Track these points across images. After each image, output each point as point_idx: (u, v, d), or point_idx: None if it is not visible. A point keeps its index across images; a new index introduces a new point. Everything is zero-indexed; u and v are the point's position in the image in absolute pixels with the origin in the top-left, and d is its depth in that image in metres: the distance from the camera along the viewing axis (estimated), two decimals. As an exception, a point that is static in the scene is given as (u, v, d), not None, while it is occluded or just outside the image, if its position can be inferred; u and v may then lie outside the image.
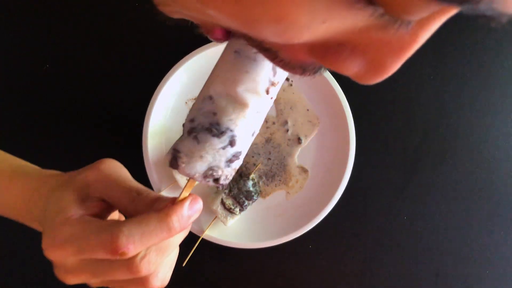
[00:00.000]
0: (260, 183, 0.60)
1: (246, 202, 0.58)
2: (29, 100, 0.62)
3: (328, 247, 0.62)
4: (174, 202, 0.32)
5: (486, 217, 0.61)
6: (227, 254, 0.61)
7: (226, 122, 0.28)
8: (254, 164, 0.60)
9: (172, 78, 0.58)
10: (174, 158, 0.30)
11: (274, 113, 0.60)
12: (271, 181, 0.61)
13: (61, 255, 0.31)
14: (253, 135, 0.30)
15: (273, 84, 0.29)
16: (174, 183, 0.58)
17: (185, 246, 0.55)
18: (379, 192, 0.61)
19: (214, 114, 0.28)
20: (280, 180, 0.61)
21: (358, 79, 0.21)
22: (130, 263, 0.31)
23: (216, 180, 0.30)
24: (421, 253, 0.61)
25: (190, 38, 0.61)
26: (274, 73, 0.28)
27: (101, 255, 0.30)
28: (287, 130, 0.60)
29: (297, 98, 0.60)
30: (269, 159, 0.60)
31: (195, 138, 0.29)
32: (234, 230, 0.59)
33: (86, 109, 0.62)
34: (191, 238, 0.58)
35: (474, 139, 0.61)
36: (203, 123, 0.29)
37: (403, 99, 0.61)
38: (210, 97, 0.28)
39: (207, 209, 0.59)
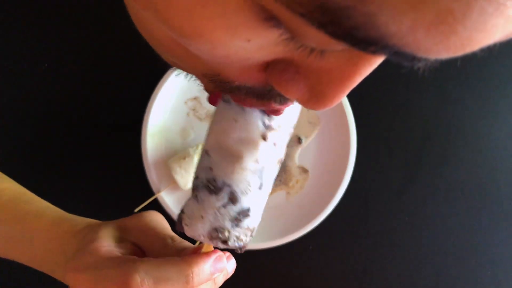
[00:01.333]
0: (260, 183, 0.60)
1: (246, 203, 0.58)
2: (27, 99, 0.62)
3: (328, 247, 0.61)
4: (197, 251, 0.31)
5: (487, 218, 0.61)
6: (227, 255, 0.60)
7: (221, 176, 0.26)
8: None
9: (171, 78, 0.57)
10: (179, 220, 0.29)
11: (274, 113, 0.60)
12: (271, 181, 0.60)
13: (77, 281, 0.31)
14: (261, 188, 0.28)
15: (269, 128, 0.26)
16: (173, 183, 0.57)
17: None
18: (380, 193, 0.61)
19: (211, 169, 0.27)
20: (280, 181, 0.60)
21: (302, 103, 0.20)
22: None
23: (224, 242, 0.28)
24: (421, 253, 0.61)
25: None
26: (269, 117, 0.25)
27: None
28: (287, 130, 0.60)
29: (297, 98, 0.60)
30: (269, 159, 0.60)
31: (196, 197, 0.27)
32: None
33: (85, 108, 0.62)
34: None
35: (475, 139, 0.61)
36: (202, 179, 0.27)
37: (403, 99, 0.61)
38: (207, 152, 0.27)
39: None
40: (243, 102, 0.24)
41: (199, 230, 0.28)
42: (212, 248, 0.31)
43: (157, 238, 0.34)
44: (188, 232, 0.28)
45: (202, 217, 0.27)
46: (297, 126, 0.64)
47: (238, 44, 0.16)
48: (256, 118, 0.25)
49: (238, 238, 0.28)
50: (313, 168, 0.60)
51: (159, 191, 0.58)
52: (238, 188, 0.26)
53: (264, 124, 0.25)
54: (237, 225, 0.28)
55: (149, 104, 0.57)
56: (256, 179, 0.27)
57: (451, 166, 0.61)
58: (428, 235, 0.61)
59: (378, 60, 0.17)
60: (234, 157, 0.26)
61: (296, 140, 0.60)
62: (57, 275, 0.37)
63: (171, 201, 0.58)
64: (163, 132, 0.60)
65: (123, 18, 0.67)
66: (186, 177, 0.56)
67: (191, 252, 0.32)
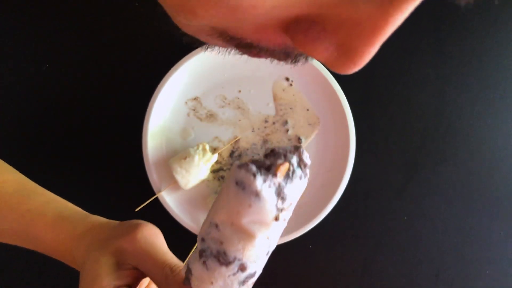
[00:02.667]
0: (260, 183, 0.60)
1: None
2: (28, 99, 0.62)
3: (328, 247, 0.62)
4: None
5: (486, 217, 0.61)
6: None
7: (233, 252, 0.28)
8: (254, 164, 0.60)
9: (172, 78, 0.58)
10: (187, 278, 0.30)
11: (274, 113, 0.60)
12: (271, 181, 0.61)
13: None
14: (267, 254, 0.29)
15: (282, 210, 0.27)
16: (174, 183, 0.58)
17: (184, 246, 0.55)
18: (379, 192, 0.61)
19: (221, 243, 0.28)
20: (280, 180, 0.61)
21: (332, 65, 0.19)
22: None
23: None
24: (421, 253, 0.61)
25: (187, 43, 0.61)
26: (282, 200, 0.27)
27: None
28: (287, 130, 0.60)
29: (297, 98, 0.60)
30: (269, 159, 0.60)
31: (204, 264, 0.28)
32: None
33: (86, 108, 0.62)
34: (191, 238, 0.58)
35: (474, 139, 0.61)
36: (212, 249, 0.28)
37: (403, 99, 0.61)
38: (216, 225, 0.27)
39: (207, 209, 0.59)
40: (258, 55, 0.23)
41: None
42: None
43: (156, 267, 0.35)
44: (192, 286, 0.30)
45: (211, 283, 0.29)
46: (297, 127, 0.65)
47: None
48: (271, 205, 0.26)
49: None
50: (313, 168, 0.61)
51: (159, 191, 0.58)
52: (248, 260, 0.28)
53: (277, 208, 0.27)
54: (243, 284, 0.30)
55: (149, 104, 0.58)
56: (264, 251, 0.29)
57: (451, 165, 0.61)
58: (427, 234, 0.61)
59: (410, 7, 0.16)
60: (246, 236, 0.27)
61: (296, 140, 0.60)
62: (72, 264, 0.39)
63: (171, 200, 0.58)
64: (164, 132, 0.60)
65: (124, 19, 0.67)
66: (186, 177, 0.56)
67: None
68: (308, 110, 0.60)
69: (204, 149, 0.57)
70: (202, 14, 0.17)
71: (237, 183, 0.26)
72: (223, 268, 0.28)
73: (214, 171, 0.60)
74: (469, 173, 0.61)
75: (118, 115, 0.62)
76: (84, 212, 0.43)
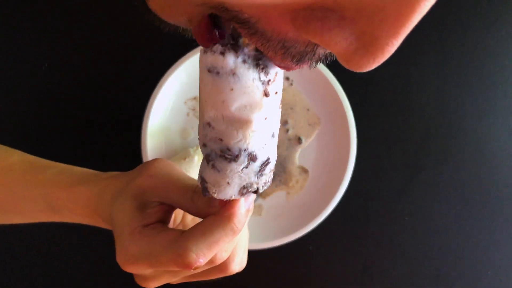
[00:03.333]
0: (260, 183, 0.60)
1: (246, 203, 0.58)
2: (27, 99, 0.62)
3: (328, 248, 0.61)
4: (226, 203, 0.32)
5: (487, 218, 0.61)
6: (227, 255, 0.60)
7: (235, 144, 0.26)
8: (254, 165, 0.60)
9: (171, 78, 0.57)
10: (204, 189, 0.29)
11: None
12: (271, 181, 0.60)
13: (136, 270, 0.32)
14: (273, 136, 0.28)
15: (269, 82, 0.24)
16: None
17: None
18: (380, 193, 0.61)
19: (220, 140, 0.26)
20: (280, 181, 0.60)
21: (348, 59, 0.17)
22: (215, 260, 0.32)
23: (255, 191, 0.29)
24: (422, 253, 0.61)
25: (190, 38, 0.60)
26: (265, 71, 0.24)
27: (175, 269, 0.31)
28: (287, 130, 0.60)
29: (297, 98, 0.60)
30: (269, 159, 0.60)
31: (214, 166, 0.27)
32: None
33: (85, 108, 0.61)
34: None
35: (476, 139, 0.61)
36: (215, 149, 0.27)
37: (404, 99, 0.61)
38: (209, 124, 0.26)
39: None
40: (251, 39, 0.20)
41: (228, 193, 0.28)
42: None
43: (180, 194, 0.34)
44: (219, 197, 0.29)
45: (228, 183, 0.28)
46: (297, 127, 0.64)
47: None
48: (253, 79, 0.24)
49: (265, 183, 0.29)
50: (313, 168, 0.60)
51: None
52: (255, 148, 0.26)
53: (262, 82, 0.24)
54: (261, 175, 0.28)
55: (149, 104, 0.57)
56: (268, 133, 0.27)
57: (451, 166, 0.61)
58: (428, 235, 0.61)
59: None
60: (242, 123, 0.25)
61: (296, 140, 0.60)
62: (104, 225, 0.38)
63: (171, 201, 0.58)
64: (163, 132, 0.60)
65: (124, 18, 0.67)
66: (186, 177, 0.56)
67: (223, 203, 0.32)
68: (308, 110, 0.60)
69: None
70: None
71: (209, 70, 0.24)
72: (233, 164, 0.27)
73: (213, 172, 0.60)
74: (470, 173, 0.61)
75: (117, 115, 0.61)
76: (98, 172, 0.42)
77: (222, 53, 0.23)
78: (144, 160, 0.58)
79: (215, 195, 0.29)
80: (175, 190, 0.34)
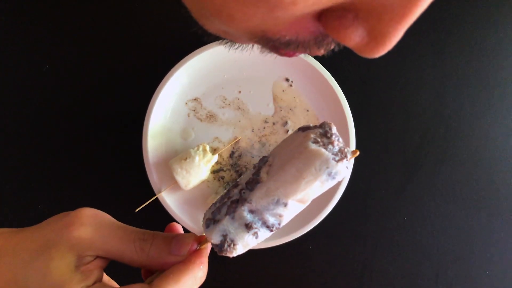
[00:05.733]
0: (260, 183, 0.60)
1: (246, 203, 0.58)
2: (29, 100, 0.62)
3: (328, 247, 0.62)
4: (194, 245, 0.32)
5: (486, 217, 0.61)
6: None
7: (286, 220, 0.31)
8: (254, 165, 0.60)
9: (172, 79, 0.58)
10: (228, 247, 0.31)
11: (273, 114, 0.60)
12: (271, 181, 0.61)
13: None
14: None
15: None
16: (174, 184, 0.58)
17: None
18: (378, 193, 0.61)
19: (281, 216, 0.30)
20: (280, 181, 0.61)
21: (361, 50, 0.20)
22: None
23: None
24: (420, 253, 0.62)
25: (190, 38, 0.61)
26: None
27: None
28: (287, 131, 0.60)
29: (297, 99, 0.60)
30: (269, 159, 0.60)
31: (255, 234, 0.31)
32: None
33: (86, 109, 0.62)
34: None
35: (474, 139, 0.61)
36: (267, 221, 0.30)
37: (403, 99, 0.61)
38: (286, 204, 0.29)
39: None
40: (290, 54, 0.24)
41: (239, 251, 0.32)
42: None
43: (123, 242, 0.30)
44: (230, 254, 0.31)
45: (249, 244, 0.31)
46: (297, 127, 0.65)
47: None
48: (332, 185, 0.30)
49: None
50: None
51: (160, 192, 0.58)
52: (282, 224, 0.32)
53: None
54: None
55: (150, 105, 0.58)
56: None
57: (450, 166, 0.61)
58: (426, 234, 0.61)
59: None
60: (303, 206, 0.30)
61: (296, 140, 0.61)
62: None
63: (172, 201, 0.58)
64: (164, 132, 0.60)
65: (124, 20, 0.67)
66: (187, 178, 0.56)
67: (192, 252, 0.31)
68: (308, 110, 0.61)
69: (204, 150, 0.57)
70: (240, 17, 0.18)
71: (329, 174, 0.29)
72: (268, 233, 0.31)
73: (214, 172, 0.60)
74: (468, 173, 0.61)
75: (118, 115, 0.62)
76: None
77: (347, 168, 0.29)
78: (145, 160, 0.58)
79: (233, 254, 0.31)
80: (116, 239, 0.30)
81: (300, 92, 0.60)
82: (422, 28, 0.61)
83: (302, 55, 0.57)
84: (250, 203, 0.30)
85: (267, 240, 0.58)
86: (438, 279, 0.62)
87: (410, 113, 0.61)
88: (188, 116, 0.61)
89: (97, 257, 0.30)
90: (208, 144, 0.60)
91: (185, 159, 0.56)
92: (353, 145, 0.58)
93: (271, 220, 0.30)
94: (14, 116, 0.62)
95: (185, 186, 0.57)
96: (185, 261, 0.31)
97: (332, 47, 0.24)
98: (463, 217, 0.61)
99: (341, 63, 0.61)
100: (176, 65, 0.57)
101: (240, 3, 0.18)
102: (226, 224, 0.31)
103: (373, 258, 0.62)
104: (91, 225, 0.30)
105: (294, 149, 0.29)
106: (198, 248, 0.32)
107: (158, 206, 0.58)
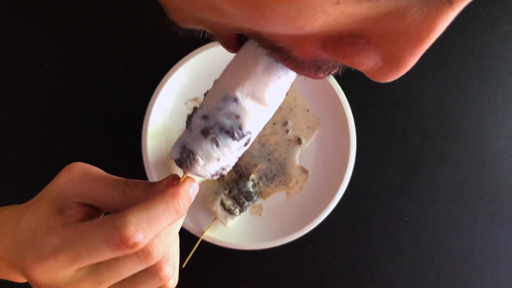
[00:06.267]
0: (260, 184, 0.60)
1: (246, 203, 0.58)
2: (28, 100, 0.62)
3: (328, 248, 0.61)
4: (173, 184, 0.30)
5: (487, 218, 0.61)
6: (227, 255, 0.60)
7: (248, 125, 0.27)
8: (254, 165, 0.60)
9: (171, 79, 0.57)
10: (188, 159, 0.28)
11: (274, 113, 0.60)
12: (271, 182, 0.60)
13: (51, 270, 0.26)
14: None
15: (292, 85, 0.28)
16: (173, 184, 0.58)
17: (184, 247, 0.55)
18: (379, 193, 0.61)
19: (237, 117, 0.27)
20: (280, 181, 0.61)
21: (374, 75, 0.19)
22: (140, 250, 0.27)
23: (222, 176, 0.30)
24: (421, 253, 0.61)
25: (190, 38, 0.61)
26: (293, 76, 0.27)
27: (106, 254, 0.26)
28: (287, 131, 0.60)
29: (297, 99, 0.60)
30: (269, 159, 0.60)
31: (214, 140, 0.27)
32: (234, 231, 0.59)
33: (85, 109, 0.62)
34: (190, 239, 0.58)
35: (475, 139, 0.61)
36: (223, 124, 0.27)
37: (403, 99, 0.61)
38: (235, 99, 0.26)
39: (207, 210, 0.59)
40: (284, 63, 0.23)
41: (210, 170, 0.29)
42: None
43: (107, 187, 0.30)
44: (197, 172, 0.28)
45: (218, 159, 0.28)
46: (297, 128, 0.64)
47: (326, 6, 0.16)
48: (292, 78, 0.27)
49: (229, 167, 0.30)
50: (313, 169, 0.60)
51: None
52: (254, 135, 0.28)
53: (291, 83, 0.27)
54: (236, 160, 0.30)
55: (149, 105, 0.58)
56: (263, 125, 0.29)
57: (451, 166, 0.61)
58: (427, 235, 0.61)
59: (455, 14, 0.17)
60: (265, 108, 0.27)
61: (296, 140, 0.60)
62: (5, 276, 0.33)
63: (171, 201, 0.58)
64: (164, 132, 0.60)
65: (124, 20, 0.67)
66: (186, 178, 0.56)
67: (168, 185, 0.30)
68: (308, 110, 0.60)
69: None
70: (240, 15, 0.18)
71: (267, 54, 0.25)
72: (235, 143, 0.27)
73: (214, 172, 0.60)
74: (469, 173, 0.61)
75: (117, 115, 0.61)
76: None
77: None
78: (145, 160, 0.58)
79: (198, 168, 0.28)
80: (102, 184, 0.30)
81: (300, 92, 0.60)
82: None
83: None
84: (202, 108, 0.28)
85: (267, 240, 0.58)
86: (439, 279, 0.61)
87: (410, 113, 0.61)
88: (188, 116, 0.61)
89: (85, 205, 0.31)
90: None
91: (185, 159, 0.56)
92: (353, 145, 0.58)
93: (227, 122, 0.27)
94: (13, 116, 0.62)
95: (184, 186, 0.56)
96: (158, 192, 0.30)
97: (335, 72, 0.23)
98: (464, 217, 0.61)
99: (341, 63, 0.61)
100: (176, 65, 0.57)
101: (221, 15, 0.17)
102: (184, 136, 0.29)
103: (374, 259, 0.61)
104: (79, 174, 0.31)
105: None
106: (176, 183, 0.30)
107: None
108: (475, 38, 0.61)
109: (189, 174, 0.30)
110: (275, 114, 0.29)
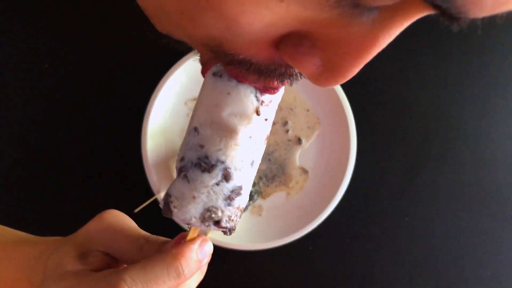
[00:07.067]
0: (260, 184, 0.60)
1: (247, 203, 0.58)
2: (27, 99, 0.62)
3: (328, 248, 0.61)
4: (179, 243, 0.30)
5: (487, 218, 0.61)
6: (227, 256, 0.60)
7: (214, 153, 0.25)
8: (254, 165, 0.60)
9: (171, 79, 0.57)
10: (166, 204, 0.26)
11: (274, 114, 0.60)
12: (271, 182, 0.60)
13: None
14: (252, 164, 0.27)
15: (262, 103, 0.25)
16: (173, 184, 0.57)
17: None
18: (379, 193, 0.61)
19: (201, 146, 0.25)
20: (280, 181, 0.60)
21: (315, 79, 0.20)
22: None
23: (217, 222, 0.27)
24: (422, 254, 0.61)
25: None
26: (261, 91, 0.25)
27: None
28: (287, 131, 0.60)
29: (297, 99, 0.60)
30: (269, 160, 0.60)
31: (185, 177, 0.26)
32: (234, 232, 0.59)
33: (85, 109, 0.62)
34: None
35: (475, 139, 0.61)
36: (192, 158, 0.26)
37: (403, 99, 0.61)
38: (195, 129, 0.25)
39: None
40: (242, 77, 0.23)
41: (190, 212, 0.26)
42: (197, 234, 0.30)
43: (129, 241, 0.31)
44: (178, 216, 0.26)
45: (194, 197, 0.26)
46: (297, 128, 0.64)
47: (270, 3, 0.16)
48: (250, 92, 0.25)
49: (230, 218, 0.27)
50: (313, 169, 0.60)
51: (159, 192, 0.58)
52: (232, 164, 0.26)
53: (257, 98, 0.25)
54: (229, 204, 0.27)
55: (149, 105, 0.57)
56: (249, 155, 0.26)
57: (451, 166, 0.61)
58: (428, 235, 0.61)
59: (398, 31, 0.17)
60: (227, 132, 0.25)
61: (296, 141, 0.60)
62: None
63: (171, 202, 0.58)
64: (163, 133, 0.60)
65: (124, 19, 0.67)
66: (186, 178, 0.56)
67: (174, 244, 0.30)
68: (308, 110, 0.60)
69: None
70: (200, 23, 0.18)
71: (213, 74, 0.25)
72: (206, 175, 0.25)
73: (214, 172, 0.60)
74: (469, 174, 0.61)
75: (117, 115, 0.61)
76: (35, 236, 0.38)
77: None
78: (145, 160, 0.58)
79: (175, 211, 0.26)
80: (124, 237, 0.32)
81: (300, 92, 0.60)
82: (422, 28, 0.61)
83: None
84: (180, 151, 0.27)
85: (267, 240, 0.58)
86: (439, 280, 0.61)
87: (411, 113, 0.61)
88: (188, 116, 0.60)
89: (106, 254, 0.32)
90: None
91: (185, 160, 0.56)
92: (354, 146, 0.58)
93: (194, 155, 0.25)
94: (13, 115, 0.62)
95: (184, 187, 0.56)
96: (161, 251, 0.30)
97: (299, 79, 0.24)
98: (464, 218, 0.61)
99: (341, 63, 0.61)
100: (175, 65, 0.57)
101: (190, 20, 0.18)
102: (171, 185, 0.27)
103: (374, 259, 0.61)
104: (108, 225, 0.32)
105: None
106: (183, 242, 0.30)
107: (157, 207, 0.57)
108: (474, 38, 0.61)
109: (176, 221, 0.28)
110: (275, 114, 0.28)
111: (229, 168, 0.26)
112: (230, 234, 0.28)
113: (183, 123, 0.60)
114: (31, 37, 0.62)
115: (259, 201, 0.60)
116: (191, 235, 0.29)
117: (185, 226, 0.51)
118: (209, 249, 0.30)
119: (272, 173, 0.60)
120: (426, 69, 0.61)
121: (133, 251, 0.31)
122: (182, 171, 0.26)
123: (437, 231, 0.61)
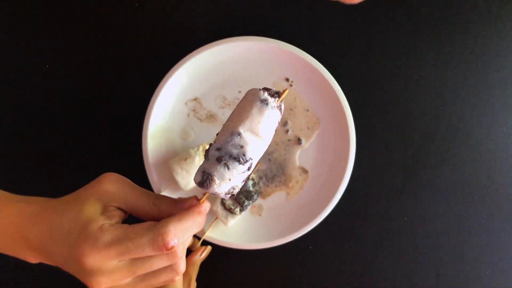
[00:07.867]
0: (260, 183, 0.60)
1: (246, 202, 0.58)
2: (28, 100, 0.62)
3: (328, 248, 0.62)
4: (195, 203, 0.39)
5: (486, 218, 0.61)
6: (228, 255, 0.61)
7: (250, 152, 0.37)
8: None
9: (172, 79, 0.58)
10: (207, 180, 0.37)
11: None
12: (271, 182, 0.61)
13: (102, 259, 0.33)
14: (255, 164, 0.39)
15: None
16: (174, 184, 0.58)
17: (185, 247, 0.55)
18: (379, 193, 0.61)
19: (241, 146, 0.37)
20: (280, 181, 0.61)
21: None
22: (172, 252, 0.35)
23: (232, 195, 0.39)
24: (421, 253, 0.61)
25: (190, 38, 0.61)
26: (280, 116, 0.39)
27: (148, 252, 0.34)
28: (287, 131, 0.60)
29: (297, 99, 0.60)
30: (269, 160, 0.60)
31: (225, 165, 0.37)
32: (234, 231, 0.59)
33: (86, 109, 0.62)
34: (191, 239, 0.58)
35: (474, 139, 0.61)
36: (231, 153, 0.37)
37: (403, 99, 0.61)
38: (239, 134, 0.37)
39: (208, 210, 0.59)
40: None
41: (223, 188, 0.38)
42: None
43: (141, 197, 0.38)
44: (215, 190, 0.37)
45: (229, 180, 0.37)
46: (297, 129, 0.65)
47: None
48: (279, 117, 0.39)
49: (236, 190, 0.39)
50: (313, 169, 0.61)
51: (159, 192, 0.58)
52: (254, 160, 0.38)
53: (278, 120, 0.39)
54: (243, 185, 0.40)
55: (149, 105, 0.58)
56: (262, 154, 0.39)
57: (451, 166, 0.61)
58: (427, 235, 0.61)
59: None
60: (259, 141, 0.37)
61: (296, 140, 0.60)
62: (21, 256, 0.38)
63: (171, 201, 0.58)
64: (164, 133, 0.60)
65: (124, 19, 0.67)
66: (187, 178, 0.56)
67: (192, 202, 0.39)
68: (308, 110, 0.60)
69: (204, 150, 0.57)
70: None
71: (261, 101, 0.37)
72: (240, 166, 0.37)
73: (214, 172, 0.60)
74: (469, 173, 0.61)
75: (118, 115, 0.61)
76: (41, 198, 0.41)
77: (273, 96, 0.38)
78: (145, 160, 0.58)
79: (215, 187, 0.37)
80: (136, 195, 0.38)
81: (300, 92, 0.60)
82: (422, 28, 0.61)
83: (301, 54, 0.57)
84: (215, 143, 0.38)
85: (267, 240, 0.58)
86: (438, 279, 0.61)
87: (410, 113, 0.61)
88: (188, 116, 0.61)
89: (119, 208, 0.37)
90: (208, 144, 0.59)
91: (185, 160, 0.56)
92: (353, 145, 0.58)
93: (234, 151, 0.37)
94: (13, 116, 0.62)
95: (185, 187, 0.57)
96: (187, 209, 0.38)
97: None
98: (463, 218, 0.61)
99: (341, 63, 0.61)
100: (176, 65, 0.57)
101: None
102: (203, 164, 0.38)
103: (374, 259, 0.62)
104: (116, 183, 0.38)
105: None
106: (197, 203, 0.39)
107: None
108: (474, 38, 0.61)
109: (208, 192, 0.38)
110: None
111: (252, 163, 0.38)
112: (232, 197, 0.39)
113: (184, 123, 0.61)
114: (32, 37, 0.62)
115: (259, 201, 0.60)
116: (204, 197, 0.39)
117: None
118: (209, 206, 0.40)
119: (272, 173, 0.61)
120: (425, 70, 0.61)
121: (146, 206, 0.38)
122: (221, 160, 0.37)
123: (436, 230, 0.61)
